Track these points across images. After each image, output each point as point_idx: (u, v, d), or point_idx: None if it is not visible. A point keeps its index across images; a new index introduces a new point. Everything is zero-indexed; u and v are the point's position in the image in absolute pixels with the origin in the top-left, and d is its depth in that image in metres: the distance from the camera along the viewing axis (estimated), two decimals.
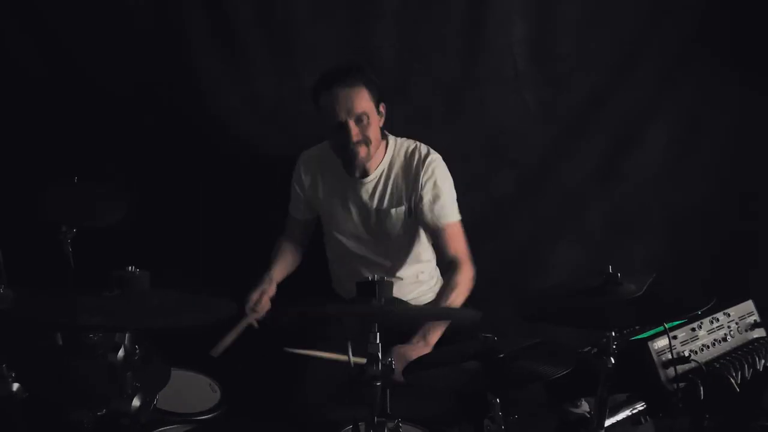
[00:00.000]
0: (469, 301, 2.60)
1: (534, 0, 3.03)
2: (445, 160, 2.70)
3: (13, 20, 2.93)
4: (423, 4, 3.02)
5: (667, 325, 2.23)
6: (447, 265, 2.67)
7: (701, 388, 2.15)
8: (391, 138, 2.72)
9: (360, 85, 2.50)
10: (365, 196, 2.70)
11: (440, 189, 2.64)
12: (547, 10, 3.04)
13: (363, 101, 2.50)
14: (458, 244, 2.66)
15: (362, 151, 2.55)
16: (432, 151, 2.69)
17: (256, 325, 2.56)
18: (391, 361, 1.87)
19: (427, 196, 2.62)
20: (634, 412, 2.19)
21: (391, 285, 1.91)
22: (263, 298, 2.60)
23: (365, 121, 2.51)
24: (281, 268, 2.78)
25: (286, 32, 3.00)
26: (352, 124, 2.50)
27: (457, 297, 2.55)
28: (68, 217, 2.50)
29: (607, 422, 2.03)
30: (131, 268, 1.81)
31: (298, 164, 2.80)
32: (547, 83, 3.09)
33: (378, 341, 1.85)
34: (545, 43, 3.06)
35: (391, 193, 2.68)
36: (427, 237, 2.76)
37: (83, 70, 3.00)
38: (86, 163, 2.90)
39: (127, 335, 1.72)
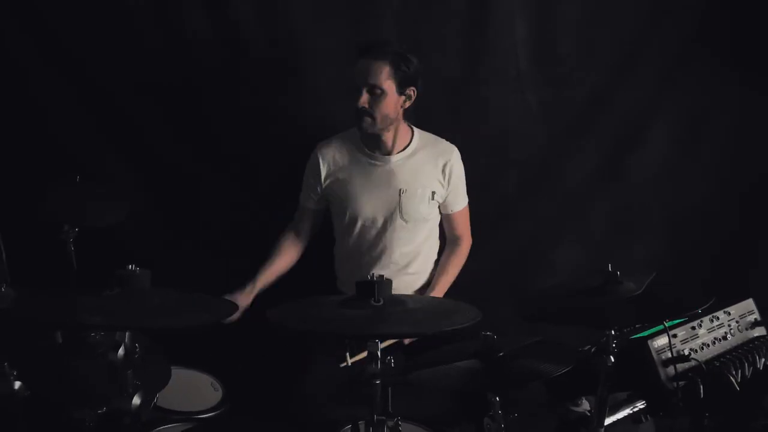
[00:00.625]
0: (470, 300, 2.60)
1: (534, 0, 3.03)
2: None
3: (13, 20, 2.93)
4: (423, 4, 3.02)
5: (667, 324, 2.23)
6: (452, 240, 2.91)
7: (701, 387, 2.15)
8: (416, 128, 2.81)
9: (383, 61, 2.61)
10: (389, 175, 2.74)
11: (460, 179, 2.83)
12: (548, 10, 3.04)
13: (380, 75, 2.60)
14: (465, 225, 2.91)
15: (366, 120, 2.65)
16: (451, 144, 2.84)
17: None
18: (390, 359, 1.87)
19: (452, 186, 2.80)
20: (635, 410, 2.19)
21: (390, 284, 1.91)
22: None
23: (377, 94, 2.61)
24: (271, 271, 2.80)
25: (286, 32, 3.00)
26: (364, 90, 2.61)
27: (458, 267, 2.88)
28: (70, 216, 2.51)
29: (608, 421, 2.03)
30: (132, 267, 1.82)
31: (315, 153, 2.82)
32: (548, 83, 3.09)
33: (377, 340, 1.85)
34: (546, 44, 3.06)
35: (418, 175, 2.75)
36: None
37: (83, 70, 2.99)
38: (88, 163, 2.92)
39: (127, 334, 1.73)
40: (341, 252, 2.88)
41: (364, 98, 2.62)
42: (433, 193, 2.76)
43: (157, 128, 3.06)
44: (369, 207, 2.75)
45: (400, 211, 2.74)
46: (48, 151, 2.96)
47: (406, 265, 2.80)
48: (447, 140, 2.83)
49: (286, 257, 2.84)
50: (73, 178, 2.59)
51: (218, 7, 2.98)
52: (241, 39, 3.01)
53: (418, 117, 2.83)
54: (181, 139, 3.08)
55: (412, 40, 2.94)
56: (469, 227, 2.92)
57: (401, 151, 2.76)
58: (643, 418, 2.20)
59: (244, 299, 2.67)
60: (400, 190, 2.74)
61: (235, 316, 2.45)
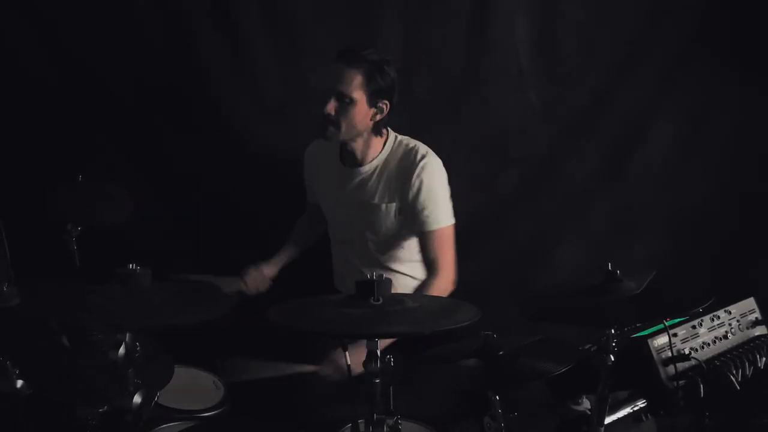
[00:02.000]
0: (470, 300, 2.60)
1: (535, 0, 3.04)
2: (448, 159, 2.66)
3: (13, 20, 2.94)
4: (424, 4, 3.03)
5: (667, 323, 2.23)
6: (427, 265, 2.66)
7: (702, 386, 2.15)
8: (392, 135, 2.68)
9: (356, 70, 2.48)
10: (357, 187, 2.67)
11: (432, 194, 2.59)
12: (549, 10, 3.05)
13: (351, 84, 2.48)
14: (441, 249, 2.62)
15: (329, 129, 2.54)
16: (430, 152, 2.63)
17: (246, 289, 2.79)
18: (390, 358, 1.87)
19: (417, 201, 2.58)
20: (635, 409, 2.19)
21: (390, 283, 1.91)
22: (258, 273, 2.83)
23: (346, 103, 2.49)
24: (290, 249, 2.92)
25: (290, 32, 3.01)
26: (332, 97, 2.50)
27: None
28: (73, 215, 2.51)
29: (608, 420, 2.03)
30: (132, 266, 1.82)
31: (304, 156, 2.86)
32: (549, 82, 3.10)
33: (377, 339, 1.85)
34: (547, 43, 3.07)
35: (384, 189, 2.64)
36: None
37: (84, 70, 3.00)
38: (89, 163, 2.92)
39: (128, 332, 1.73)
40: (332, 251, 2.89)
41: (331, 105, 2.49)
42: (400, 208, 2.62)
43: (158, 127, 3.07)
44: (339, 217, 2.75)
45: (368, 225, 2.66)
46: (49, 151, 2.96)
47: (389, 272, 2.69)
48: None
49: (305, 235, 2.94)
50: (76, 178, 2.59)
51: (219, 7, 2.99)
52: (241, 39, 3.01)
53: (418, 117, 2.84)
54: (185, 139, 3.09)
55: (413, 39, 2.95)
56: (450, 256, 2.62)
57: (372, 161, 2.65)
58: (643, 417, 2.20)
59: (269, 270, 2.84)
60: (365, 203, 2.65)
61: (264, 286, 2.76)
